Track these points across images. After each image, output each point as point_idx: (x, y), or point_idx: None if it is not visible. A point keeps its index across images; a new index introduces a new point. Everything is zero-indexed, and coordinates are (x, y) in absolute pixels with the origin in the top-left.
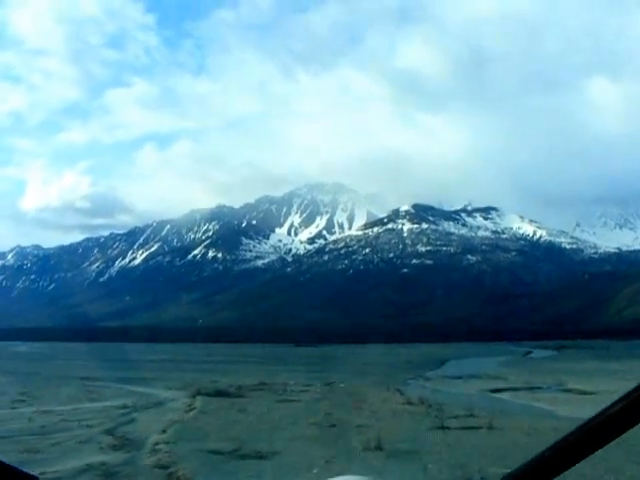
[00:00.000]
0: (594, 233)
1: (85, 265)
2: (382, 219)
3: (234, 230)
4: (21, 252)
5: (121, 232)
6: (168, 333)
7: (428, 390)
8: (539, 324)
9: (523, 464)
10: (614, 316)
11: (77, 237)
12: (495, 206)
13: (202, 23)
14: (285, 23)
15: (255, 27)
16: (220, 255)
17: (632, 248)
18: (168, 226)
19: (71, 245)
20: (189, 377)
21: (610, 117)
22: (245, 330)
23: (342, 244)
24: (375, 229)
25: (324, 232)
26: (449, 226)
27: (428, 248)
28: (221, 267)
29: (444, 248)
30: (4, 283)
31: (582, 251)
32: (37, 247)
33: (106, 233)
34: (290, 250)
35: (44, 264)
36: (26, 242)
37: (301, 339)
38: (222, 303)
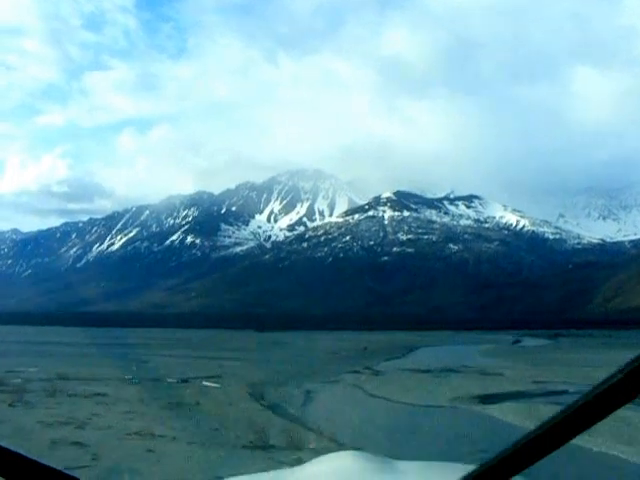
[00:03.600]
0: (578, 224)
1: (63, 250)
2: (363, 206)
3: (213, 216)
4: None
5: (100, 217)
6: (140, 319)
7: (359, 395)
8: (522, 313)
9: (494, 456)
10: (600, 306)
11: (56, 222)
12: (478, 194)
13: (182, 5)
14: (267, 6)
15: (236, 10)
16: (198, 241)
17: (615, 239)
18: (147, 211)
19: (49, 230)
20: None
21: (596, 107)
22: (216, 316)
23: (322, 231)
24: (356, 216)
25: (304, 219)
26: (431, 214)
27: (409, 236)
28: (199, 253)
29: (425, 236)
30: None
31: (565, 241)
32: (15, 231)
33: (85, 218)
34: (269, 237)
35: (21, 249)
36: (4, 226)
37: (272, 326)
38: (199, 290)
